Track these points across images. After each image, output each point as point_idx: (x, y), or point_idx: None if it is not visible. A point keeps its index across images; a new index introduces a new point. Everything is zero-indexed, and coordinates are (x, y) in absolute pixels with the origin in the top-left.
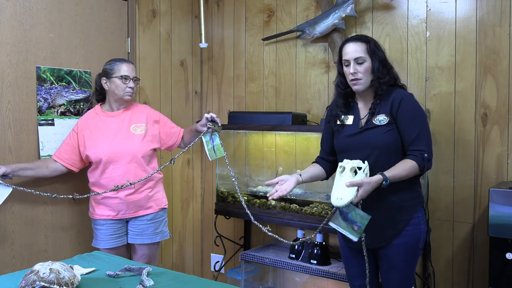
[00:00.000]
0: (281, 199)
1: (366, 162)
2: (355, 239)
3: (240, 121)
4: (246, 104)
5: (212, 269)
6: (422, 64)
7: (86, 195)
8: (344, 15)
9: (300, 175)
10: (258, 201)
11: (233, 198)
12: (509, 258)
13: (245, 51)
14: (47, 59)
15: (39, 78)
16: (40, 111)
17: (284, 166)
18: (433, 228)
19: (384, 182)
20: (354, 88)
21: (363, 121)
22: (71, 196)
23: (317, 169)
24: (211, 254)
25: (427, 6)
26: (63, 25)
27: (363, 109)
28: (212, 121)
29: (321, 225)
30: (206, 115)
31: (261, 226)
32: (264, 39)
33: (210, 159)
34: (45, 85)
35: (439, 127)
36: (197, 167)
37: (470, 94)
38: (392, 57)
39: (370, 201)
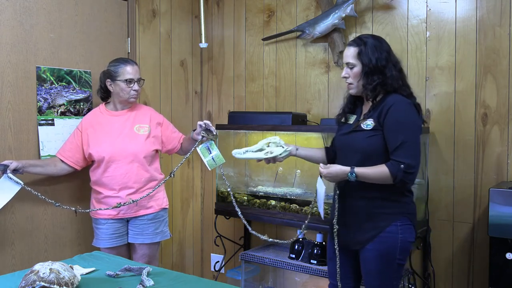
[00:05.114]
0: (281, 199)
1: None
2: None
3: (240, 121)
4: (246, 104)
5: (212, 269)
6: (422, 64)
7: (88, 210)
8: (344, 15)
9: (297, 149)
10: (258, 201)
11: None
12: (509, 258)
13: (245, 51)
14: (47, 59)
15: (39, 78)
16: (40, 111)
17: (284, 166)
18: (433, 228)
19: (349, 174)
20: (349, 91)
21: (355, 124)
22: (73, 209)
23: (318, 151)
24: (211, 254)
25: (427, 6)
26: (63, 25)
27: (364, 112)
28: (207, 129)
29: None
30: (199, 122)
31: (256, 233)
32: (264, 39)
33: (209, 169)
34: (45, 85)
35: (439, 127)
36: (197, 167)
37: (470, 94)
38: None
39: (343, 205)
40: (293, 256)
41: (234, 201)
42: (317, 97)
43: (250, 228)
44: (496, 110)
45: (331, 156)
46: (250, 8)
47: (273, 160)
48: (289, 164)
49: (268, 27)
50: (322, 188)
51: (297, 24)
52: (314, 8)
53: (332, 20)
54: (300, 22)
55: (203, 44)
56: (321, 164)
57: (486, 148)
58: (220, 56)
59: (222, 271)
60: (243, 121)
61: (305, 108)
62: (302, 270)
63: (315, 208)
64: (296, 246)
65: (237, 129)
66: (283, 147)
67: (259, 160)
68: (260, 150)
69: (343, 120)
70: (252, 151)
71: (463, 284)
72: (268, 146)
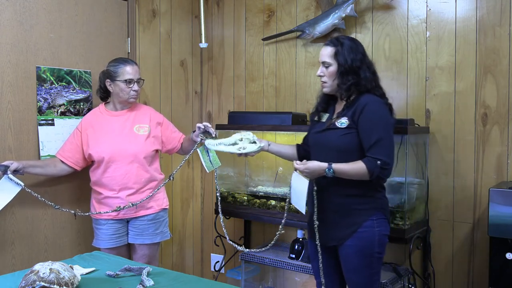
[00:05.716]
0: (281, 199)
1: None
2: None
3: (240, 121)
4: (246, 104)
5: (212, 269)
6: (422, 64)
7: (88, 213)
8: (344, 15)
9: (269, 144)
10: (258, 201)
11: (233, 198)
12: (509, 258)
13: (245, 51)
14: (47, 59)
15: (39, 78)
16: (40, 111)
17: (284, 166)
18: (433, 228)
19: (327, 170)
20: (323, 89)
21: (329, 122)
22: (73, 212)
23: (289, 148)
24: (211, 254)
25: (427, 6)
26: (63, 25)
27: (337, 110)
28: (206, 131)
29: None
30: (198, 124)
31: (233, 243)
32: (264, 39)
33: (207, 171)
34: (45, 85)
35: (439, 127)
36: (197, 167)
37: (470, 94)
38: (392, 57)
39: (320, 202)
40: (293, 256)
41: (219, 208)
42: None
43: (228, 237)
44: (496, 110)
45: (301, 153)
46: (250, 8)
47: (245, 155)
48: (289, 164)
49: (268, 27)
50: (303, 184)
51: (297, 24)
52: (314, 8)
53: (332, 20)
54: (300, 22)
55: (203, 44)
56: (296, 161)
57: (486, 148)
58: (220, 56)
59: (222, 271)
60: (243, 121)
61: (305, 108)
62: (302, 270)
63: (290, 204)
64: (296, 246)
65: (237, 129)
66: (255, 143)
67: (231, 153)
68: (234, 144)
69: (316, 118)
70: (225, 145)
71: (463, 284)
72: (241, 140)
